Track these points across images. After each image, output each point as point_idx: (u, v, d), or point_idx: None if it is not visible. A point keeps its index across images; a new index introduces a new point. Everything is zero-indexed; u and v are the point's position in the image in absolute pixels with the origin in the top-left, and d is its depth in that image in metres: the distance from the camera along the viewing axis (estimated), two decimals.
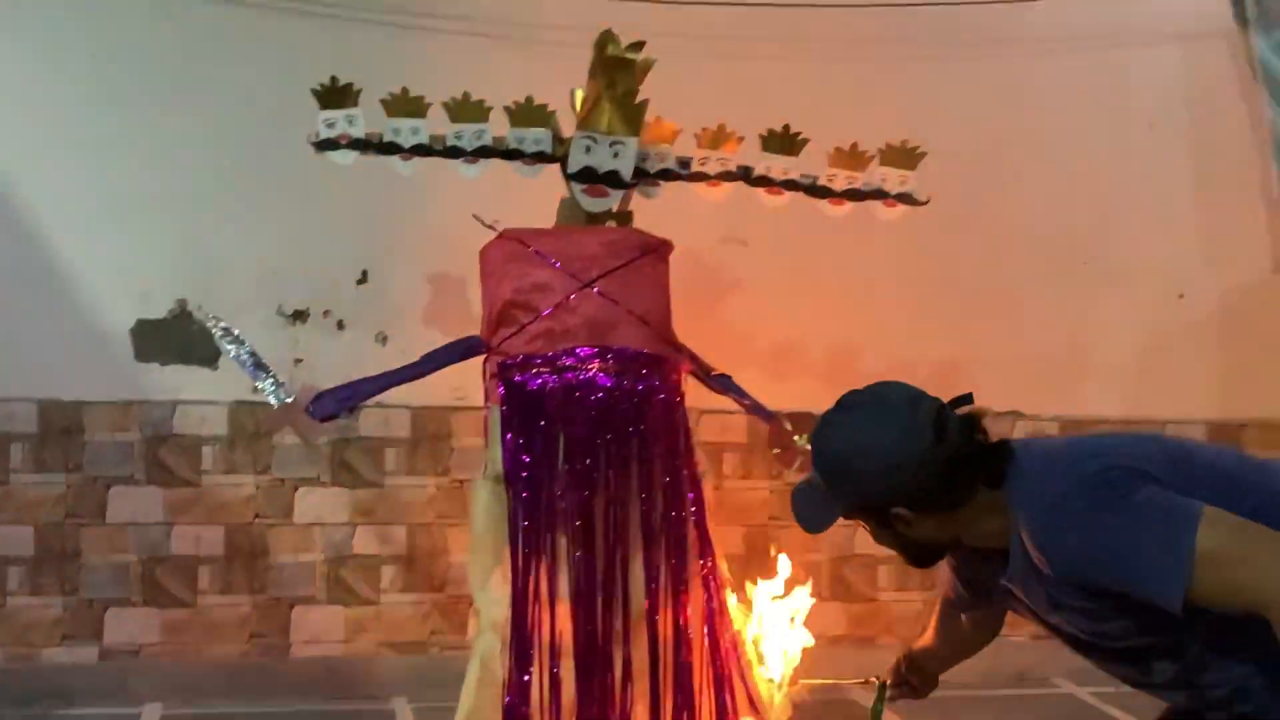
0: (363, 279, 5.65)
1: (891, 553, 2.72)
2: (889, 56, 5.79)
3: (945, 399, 2.55)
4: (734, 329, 5.46)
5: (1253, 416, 6.26)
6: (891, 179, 4.53)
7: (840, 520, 2.65)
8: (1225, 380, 6.27)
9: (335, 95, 4.29)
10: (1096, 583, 2.42)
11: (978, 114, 5.97)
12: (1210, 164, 6.09)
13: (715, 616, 4.13)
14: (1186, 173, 6.17)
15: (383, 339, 5.60)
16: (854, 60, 5.77)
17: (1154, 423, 6.09)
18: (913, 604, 5.91)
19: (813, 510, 2.65)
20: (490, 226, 4.29)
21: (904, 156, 4.53)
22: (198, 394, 5.55)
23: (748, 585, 3.95)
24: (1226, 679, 2.49)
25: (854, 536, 5.81)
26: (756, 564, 5.64)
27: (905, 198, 4.54)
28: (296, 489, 5.64)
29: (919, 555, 2.68)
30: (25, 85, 5.44)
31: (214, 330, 4.43)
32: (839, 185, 4.51)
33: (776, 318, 5.79)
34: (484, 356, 4.31)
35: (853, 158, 4.52)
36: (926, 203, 4.57)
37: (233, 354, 4.34)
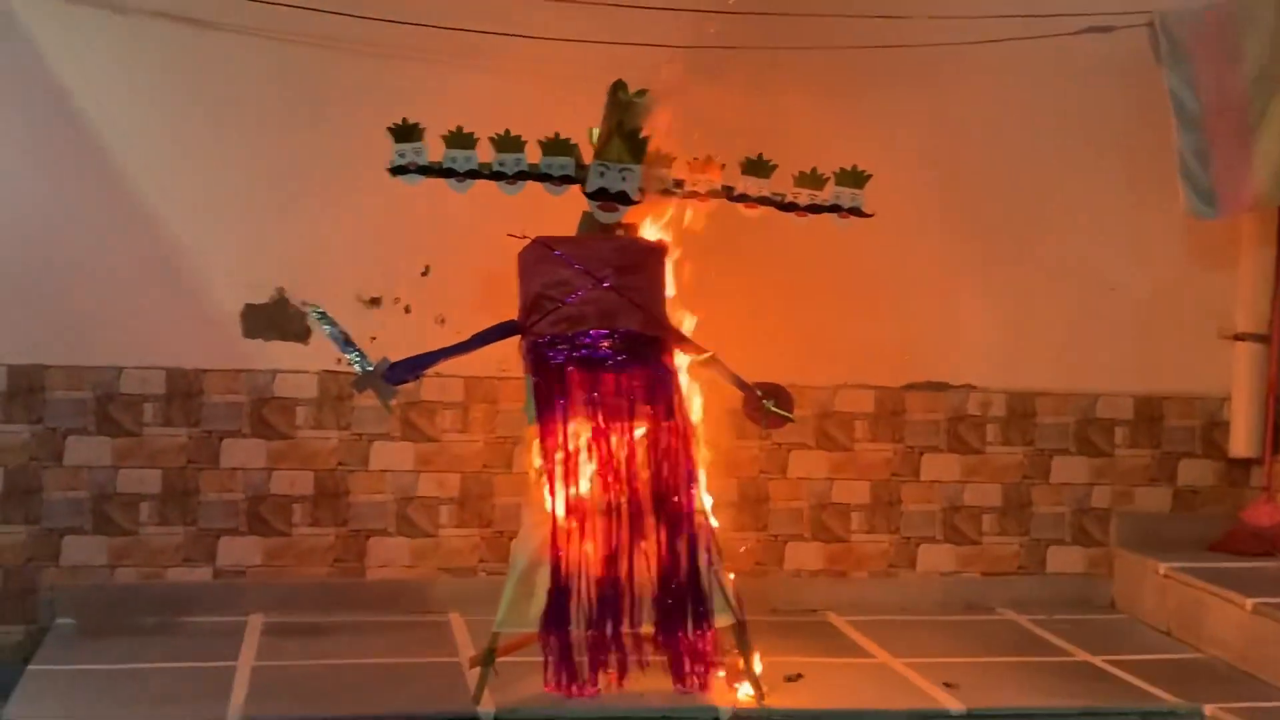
0: (425, 272, 6.24)
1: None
2: (850, 92, 6.39)
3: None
4: (721, 316, 5.68)
5: (1172, 391, 6.82)
6: (844, 196, 5.14)
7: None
8: (1149, 360, 6.75)
9: (405, 132, 4.91)
10: None
11: (935, 131, 6.50)
12: (1142, 175, 6.55)
13: (694, 516, 4.96)
14: (1121, 183, 6.71)
15: (441, 321, 6.15)
16: (829, 96, 6.36)
17: (1087, 395, 6.76)
18: (880, 544, 6.57)
19: None
20: (523, 237, 4.94)
21: (854, 178, 5.14)
22: (293, 365, 6.09)
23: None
24: None
25: (831, 488, 6.42)
26: (749, 510, 6.49)
27: (856, 211, 5.17)
28: (372, 442, 6.20)
29: None
30: (159, 108, 6.00)
31: (311, 313, 5.11)
32: (803, 201, 5.15)
33: (756, 306, 6.27)
34: (520, 336, 4.97)
35: (813, 180, 5.13)
36: (873, 215, 5.14)
37: (327, 332, 4.92)
